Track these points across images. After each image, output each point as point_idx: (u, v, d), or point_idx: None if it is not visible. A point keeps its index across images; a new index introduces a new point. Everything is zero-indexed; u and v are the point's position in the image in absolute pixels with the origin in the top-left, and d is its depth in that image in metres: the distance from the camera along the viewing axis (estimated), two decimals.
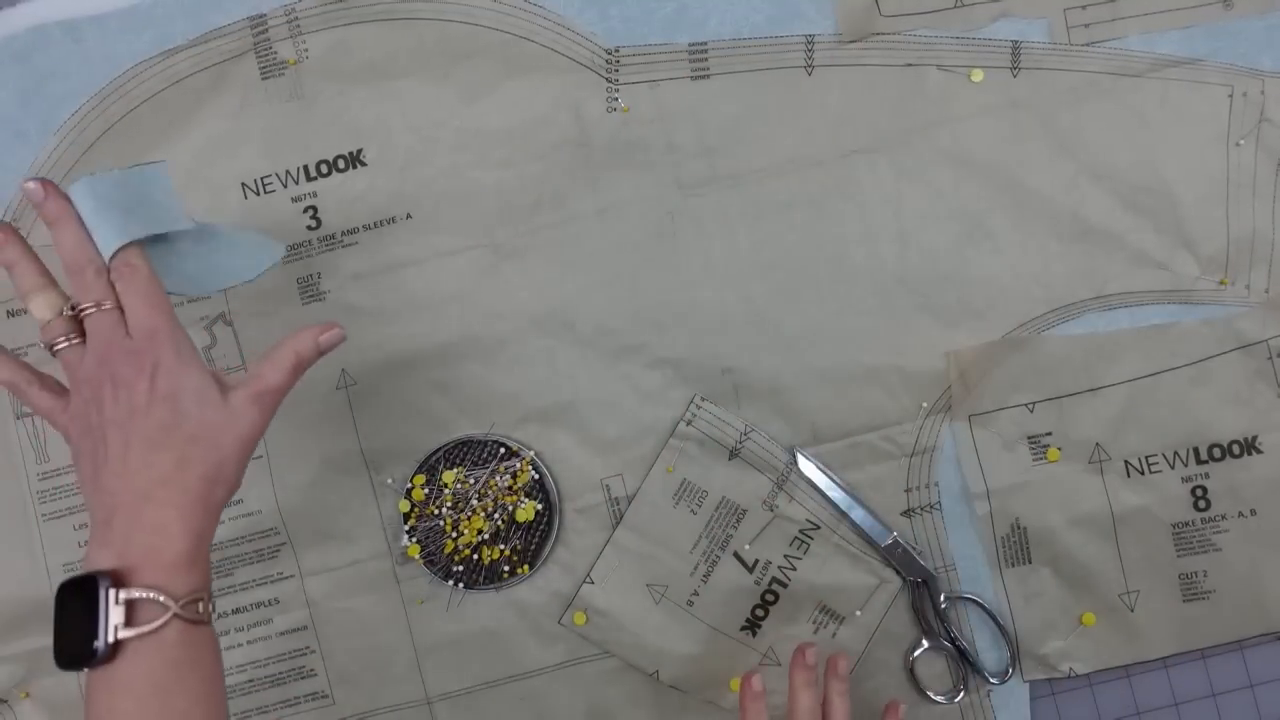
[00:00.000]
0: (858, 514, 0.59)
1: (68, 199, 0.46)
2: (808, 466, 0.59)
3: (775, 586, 0.60)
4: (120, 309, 0.46)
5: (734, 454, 0.60)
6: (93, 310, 0.46)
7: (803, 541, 0.59)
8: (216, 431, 0.46)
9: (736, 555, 0.60)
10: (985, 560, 0.60)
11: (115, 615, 0.42)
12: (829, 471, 0.59)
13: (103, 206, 0.46)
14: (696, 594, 0.60)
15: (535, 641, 0.61)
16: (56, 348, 0.47)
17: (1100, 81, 0.60)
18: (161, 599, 0.43)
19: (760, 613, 0.60)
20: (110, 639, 0.42)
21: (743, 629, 0.60)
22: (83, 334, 0.46)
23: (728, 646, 0.60)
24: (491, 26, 0.60)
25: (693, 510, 0.60)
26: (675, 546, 0.60)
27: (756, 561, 0.59)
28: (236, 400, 0.47)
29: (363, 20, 0.61)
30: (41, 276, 0.47)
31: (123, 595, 0.42)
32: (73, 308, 0.47)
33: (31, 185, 0.46)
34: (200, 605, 0.44)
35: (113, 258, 0.46)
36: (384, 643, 0.61)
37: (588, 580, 0.60)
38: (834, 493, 0.59)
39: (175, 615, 0.43)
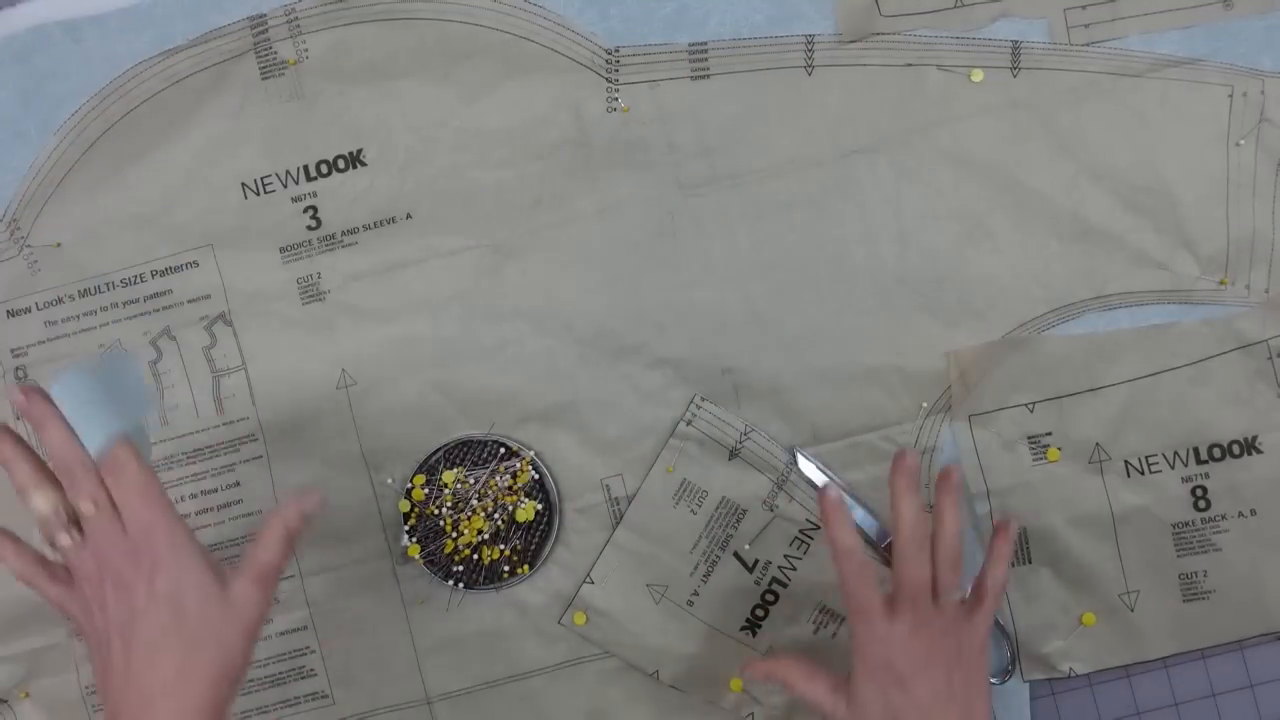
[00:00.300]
0: (858, 514, 0.59)
1: (49, 400, 0.46)
2: (808, 466, 0.59)
3: (775, 586, 0.60)
4: (114, 505, 0.46)
5: (734, 454, 0.60)
6: (89, 509, 0.46)
7: (803, 541, 0.59)
8: (219, 628, 0.45)
9: (737, 555, 0.60)
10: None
11: None
12: (829, 471, 0.59)
13: (83, 402, 0.46)
14: (696, 594, 0.60)
15: (535, 641, 0.61)
16: (58, 544, 0.47)
17: (1100, 81, 0.60)
18: None
19: (760, 613, 0.60)
20: None
21: (743, 629, 0.60)
22: (81, 529, 0.46)
23: (728, 646, 0.60)
24: (491, 26, 0.60)
25: (692, 510, 0.60)
26: (675, 546, 0.60)
27: (756, 561, 0.59)
28: (237, 590, 0.46)
29: (363, 20, 0.61)
30: (38, 473, 0.47)
31: None
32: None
33: (17, 396, 0.46)
34: None
35: (103, 454, 0.46)
36: (384, 643, 0.61)
37: (588, 580, 0.60)
38: None
39: None
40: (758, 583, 0.60)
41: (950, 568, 0.50)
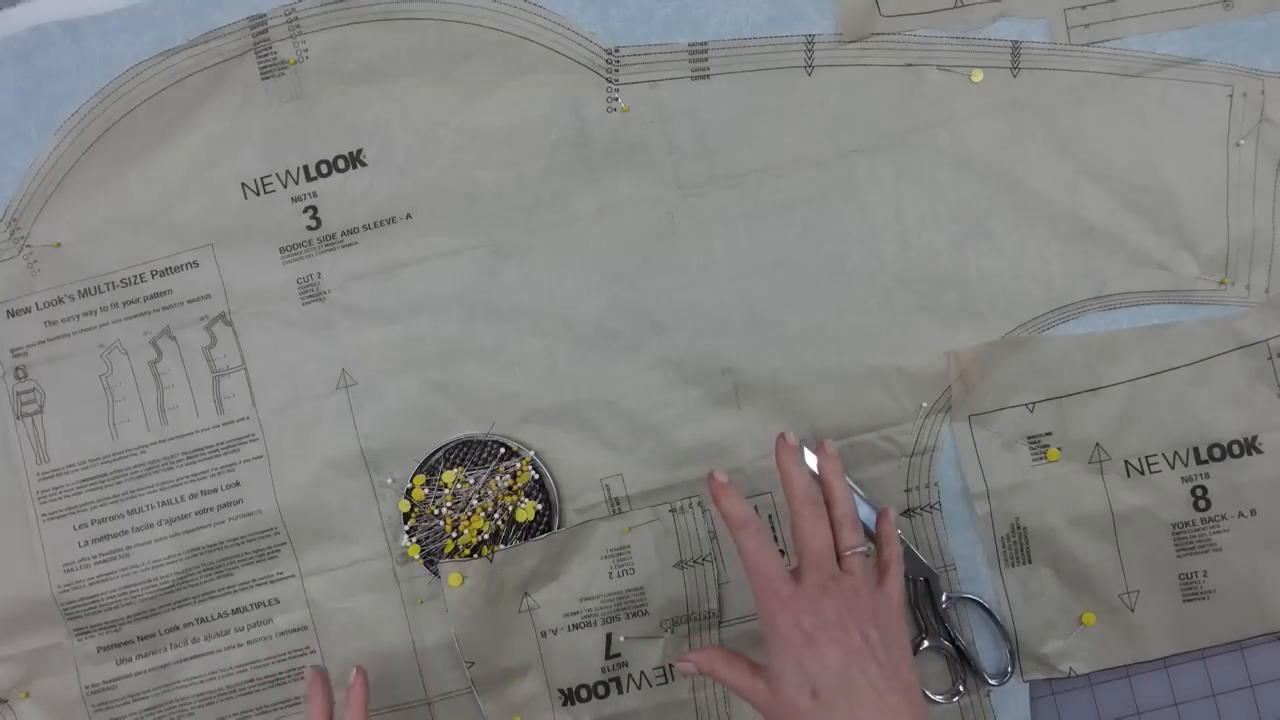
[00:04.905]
0: (862, 511, 0.59)
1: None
2: (812, 462, 0.59)
3: (613, 686, 0.59)
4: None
5: (682, 565, 0.59)
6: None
7: (664, 677, 0.59)
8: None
9: (609, 634, 0.59)
10: (985, 560, 0.60)
11: None
12: None
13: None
14: (555, 631, 0.59)
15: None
16: None
17: (1100, 82, 0.60)
18: None
19: (588, 692, 0.59)
20: None
21: (564, 693, 0.60)
22: None
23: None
24: (491, 26, 0.60)
25: (610, 574, 0.59)
26: (577, 587, 0.60)
27: (619, 655, 0.59)
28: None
29: (363, 20, 0.61)
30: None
31: None
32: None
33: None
34: None
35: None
36: (384, 643, 0.61)
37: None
38: None
39: None
40: (604, 671, 0.59)
41: (849, 526, 0.51)
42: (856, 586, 0.50)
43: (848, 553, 0.51)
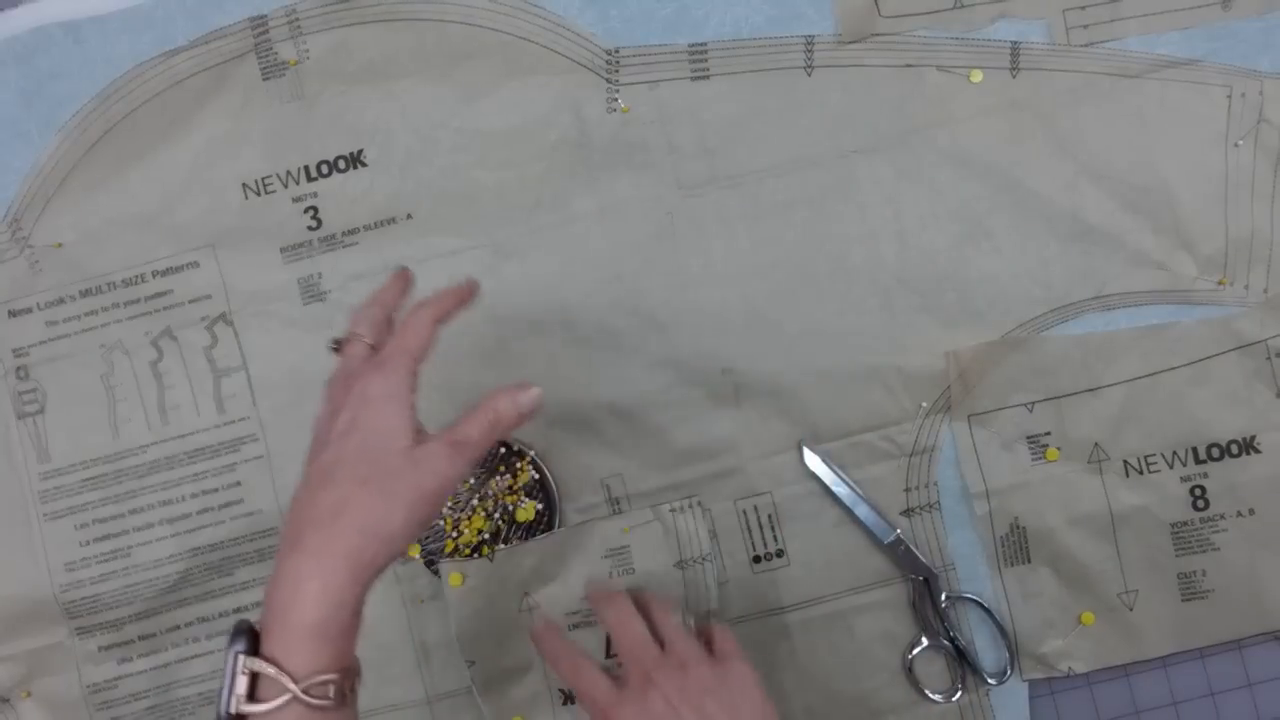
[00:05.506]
0: (862, 510, 0.59)
1: None
2: (813, 460, 0.59)
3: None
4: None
5: (681, 565, 0.59)
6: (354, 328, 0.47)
7: None
8: (391, 477, 0.42)
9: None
10: (984, 560, 0.60)
11: (240, 684, 0.39)
12: (835, 467, 0.59)
13: None
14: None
15: None
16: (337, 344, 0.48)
17: (1099, 82, 0.60)
18: (282, 678, 0.38)
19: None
20: (231, 710, 0.39)
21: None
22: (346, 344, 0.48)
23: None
24: (491, 27, 0.61)
25: (610, 574, 0.59)
26: (577, 585, 0.60)
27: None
28: (427, 449, 0.43)
29: (363, 21, 0.61)
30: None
31: (246, 664, 0.39)
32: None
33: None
34: (331, 688, 0.39)
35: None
36: (384, 643, 0.61)
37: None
38: (839, 489, 0.59)
39: (294, 699, 0.38)
40: (604, 670, 0.59)
41: (659, 606, 0.51)
42: (683, 661, 0.48)
43: (667, 630, 0.50)
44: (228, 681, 0.39)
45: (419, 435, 0.44)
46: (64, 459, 0.61)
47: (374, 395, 0.43)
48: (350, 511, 0.41)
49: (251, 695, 0.39)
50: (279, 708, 0.38)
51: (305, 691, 0.39)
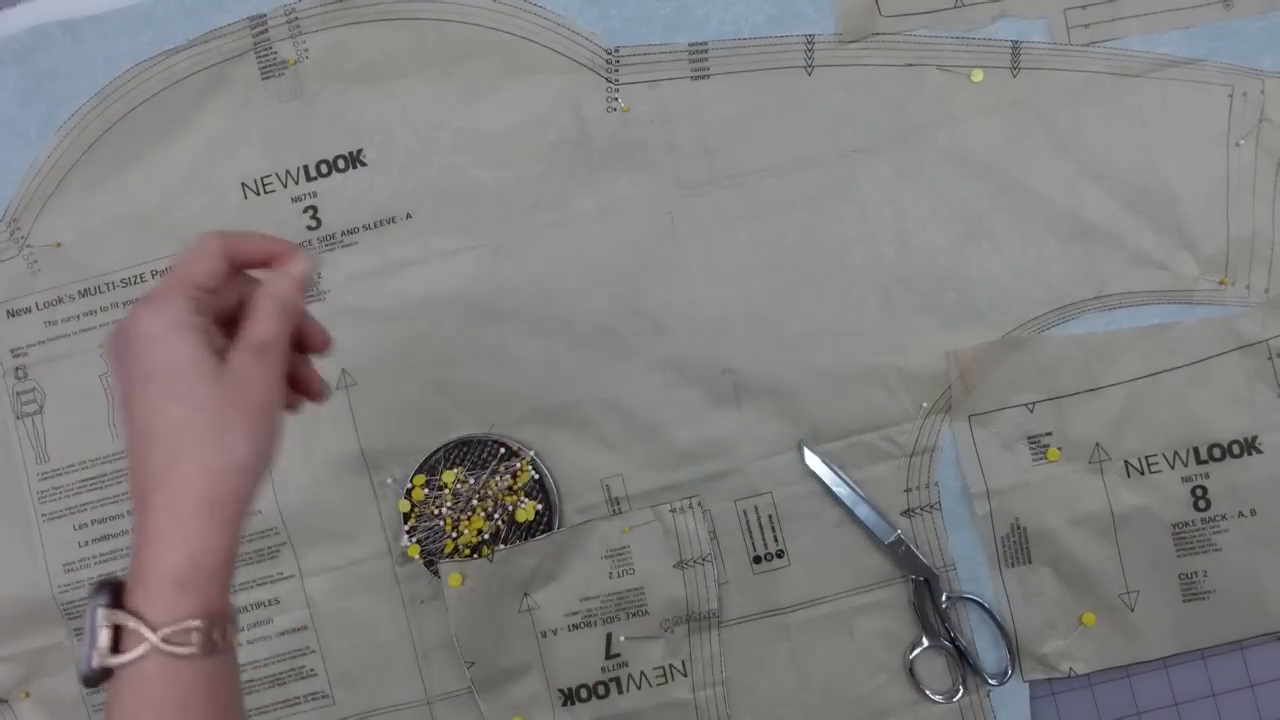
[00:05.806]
0: (862, 510, 0.59)
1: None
2: (814, 461, 0.59)
3: (614, 686, 0.59)
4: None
5: (681, 565, 0.59)
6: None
7: (664, 676, 0.59)
8: (210, 409, 0.39)
9: (609, 635, 0.59)
10: (985, 560, 0.60)
11: (103, 638, 0.38)
12: (835, 467, 0.59)
13: None
14: (555, 631, 0.60)
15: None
16: None
17: (1100, 82, 0.60)
18: (140, 627, 0.37)
19: (587, 692, 0.60)
20: (95, 664, 0.38)
21: (564, 693, 0.60)
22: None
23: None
24: (491, 27, 0.60)
25: (610, 575, 0.59)
26: (576, 587, 0.60)
27: (619, 655, 0.59)
28: (231, 367, 0.40)
29: (363, 20, 0.61)
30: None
31: (107, 617, 0.38)
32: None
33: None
34: (195, 635, 0.38)
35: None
36: (384, 643, 0.61)
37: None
38: (840, 489, 0.59)
39: (155, 649, 0.37)
40: (604, 671, 0.59)
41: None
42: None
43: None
44: (88, 636, 0.38)
45: (220, 356, 0.41)
46: (63, 459, 0.61)
47: (154, 332, 0.39)
48: (185, 457, 0.39)
49: (116, 650, 0.38)
50: (139, 658, 0.37)
51: (166, 640, 0.37)
